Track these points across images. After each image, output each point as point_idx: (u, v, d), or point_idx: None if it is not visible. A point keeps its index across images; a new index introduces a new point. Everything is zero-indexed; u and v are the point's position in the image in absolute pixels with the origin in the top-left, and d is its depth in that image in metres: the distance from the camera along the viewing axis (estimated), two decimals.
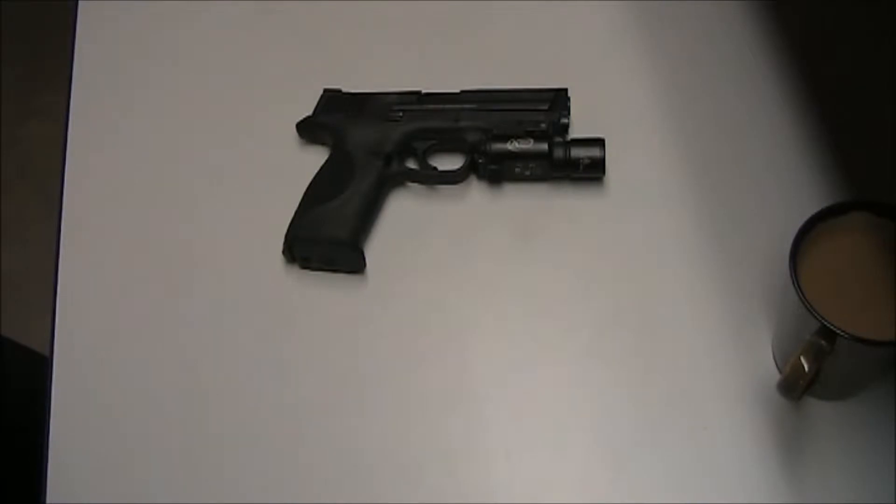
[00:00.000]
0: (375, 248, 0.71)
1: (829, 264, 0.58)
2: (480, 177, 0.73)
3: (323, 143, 0.75)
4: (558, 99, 0.72)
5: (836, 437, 0.62)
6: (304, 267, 0.70)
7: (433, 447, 0.63)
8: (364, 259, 0.69)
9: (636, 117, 0.75)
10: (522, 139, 0.70)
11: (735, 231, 0.69)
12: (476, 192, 0.73)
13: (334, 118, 0.73)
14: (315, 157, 0.74)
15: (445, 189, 0.73)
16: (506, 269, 0.69)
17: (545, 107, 0.72)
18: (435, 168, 0.72)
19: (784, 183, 0.71)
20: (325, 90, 0.75)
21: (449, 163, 0.73)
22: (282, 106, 0.76)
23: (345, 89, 0.75)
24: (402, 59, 0.79)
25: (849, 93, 0.74)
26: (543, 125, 0.71)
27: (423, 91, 0.74)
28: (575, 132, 0.73)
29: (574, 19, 0.80)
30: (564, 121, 0.72)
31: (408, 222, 0.72)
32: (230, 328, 0.68)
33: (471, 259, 0.70)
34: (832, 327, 0.54)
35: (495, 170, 0.71)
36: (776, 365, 0.64)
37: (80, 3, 0.85)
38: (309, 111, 0.74)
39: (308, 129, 0.75)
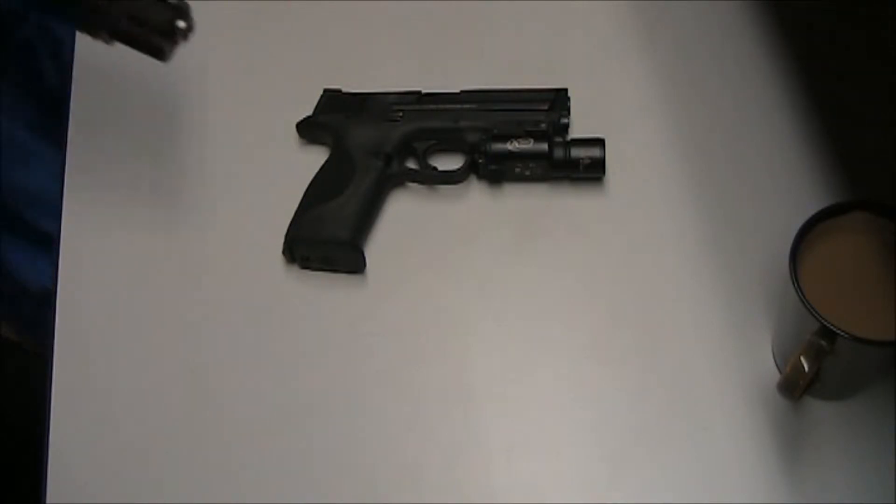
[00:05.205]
0: (375, 248, 0.71)
1: (829, 264, 0.58)
2: (480, 177, 0.73)
3: (323, 143, 0.75)
4: (558, 99, 0.72)
5: (836, 437, 0.62)
6: (304, 267, 0.70)
7: (433, 447, 0.63)
8: (364, 259, 0.69)
9: (636, 117, 0.75)
10: (522, 139, 0.70)
11: (735, 231, 0.69)
12: (476, 192, 0.73)
13: (334, 118, 0.73)
14: (315, 157, 0.74)
15: (445, 189, 0.73)
16: (506, 270, 0.69)
17: (545, 107, 0.72)
18: (435, 168, 0.72)
19: (784, 183, 0.71)
20: (325, 90, 0.75)
21: (449, 163, 0.73)
22: (282, 106, 0.76)
23: (345, 89, 0.75)
24: (402, 59, 0.79)
25: (849, 93, 0.74)
26: (543, 125, 0.71)
27: (423, 91, 0.74)
28: (575, 132, 0.73)
29: (574, 19, 0.80)
30: (564, 121, 0.71)
31: (408, 222, 0.72)
32: (230, 328, 0.68)
33: (471, 259, 0.70)
34: (832, 327, 0.54)
35: (495, 170, 0.71)
36: (776, 365, 0.64)
37: None
38: (309, 111, 0.74)
39: (308, 129, 0.75)
